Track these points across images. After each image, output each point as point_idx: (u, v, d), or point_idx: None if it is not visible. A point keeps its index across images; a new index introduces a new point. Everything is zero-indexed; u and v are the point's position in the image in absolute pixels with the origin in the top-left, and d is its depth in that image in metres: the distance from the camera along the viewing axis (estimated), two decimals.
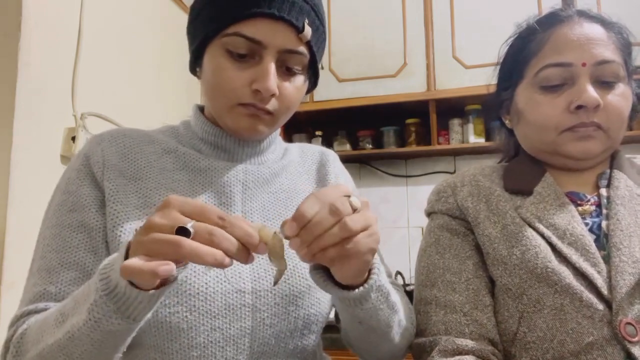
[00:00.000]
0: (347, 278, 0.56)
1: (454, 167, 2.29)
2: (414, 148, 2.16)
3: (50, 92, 1.38)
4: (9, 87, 1.26)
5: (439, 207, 0.81)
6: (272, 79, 0.65)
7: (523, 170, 0.80)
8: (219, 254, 0.46)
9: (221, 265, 0.46)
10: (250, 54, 0.66)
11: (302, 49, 0.67)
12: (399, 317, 0.67)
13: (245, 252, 0.48)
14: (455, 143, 2.15)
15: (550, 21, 0.78)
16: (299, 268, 0.69)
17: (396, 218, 2.32)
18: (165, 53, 1.97)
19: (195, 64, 0.73)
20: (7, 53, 1.28)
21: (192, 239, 0.45)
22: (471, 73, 2.00)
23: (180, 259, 0.46)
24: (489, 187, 0.78)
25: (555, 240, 0.69)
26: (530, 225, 0.72)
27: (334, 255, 0.51)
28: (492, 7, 2.01)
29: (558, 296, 0.66)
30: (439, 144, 2.13)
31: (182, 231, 0.46)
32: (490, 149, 2.08)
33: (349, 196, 0.51)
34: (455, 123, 2.16)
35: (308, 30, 0.66)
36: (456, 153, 2.25)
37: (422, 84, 2.06)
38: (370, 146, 2.25)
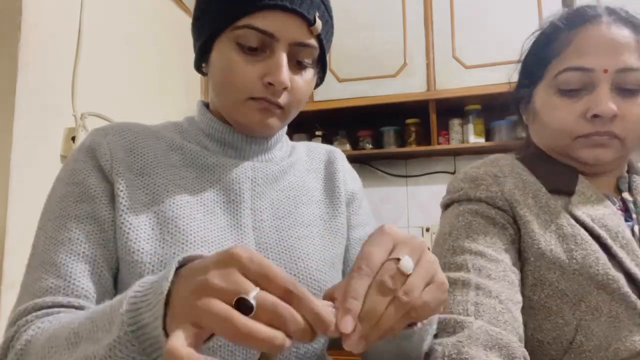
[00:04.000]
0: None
1: (454, 167, 2.29)
2: (414, 148, 2.17)
3: (50, 92, 1.38)
4: (9, 87, 1.26)
5: (476, 194, 0.74)
6: (285, 72, 0.64)
7: (555, 169, 0.75)
8: (279, 337, 0.36)
9: (279, 350, 0.37)
10: (261, 47, 0.64)
11: (313, 42, 0.66)
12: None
13: (310, 333, 0.38)
14: (455, 143, 2.15)
15: (576, 20, 0.73)
16: (310, 270, 0.67)
17: (396, 218, 2.32)
18: (165, 53, 1.97)
19: (202, 60, 0.71)
20: (7, 53, 1.27)
21: (255, 313, 0.37)
22: (471, 73, 1.99)
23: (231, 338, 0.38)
24: (534, 183, 0.73)
25: (610, 242, 0.66)
26: (584, 226, 0.68)
27: (398, 328, 0.43)
28: (492, 7, 2.00)
29: (615, 303, 0.63)
30: (439, 144, 2.13)
31: (243, 302, 0.37)
32: (491, 149, 2.09)
33: (398, 259, 0.42)
34: (455, 123, 2.16)
35: (319, 23, 0.65)
36: (456, 153, 2.25)
37: (422, 84, 2.06)
38: (370, 146, 2.25)
